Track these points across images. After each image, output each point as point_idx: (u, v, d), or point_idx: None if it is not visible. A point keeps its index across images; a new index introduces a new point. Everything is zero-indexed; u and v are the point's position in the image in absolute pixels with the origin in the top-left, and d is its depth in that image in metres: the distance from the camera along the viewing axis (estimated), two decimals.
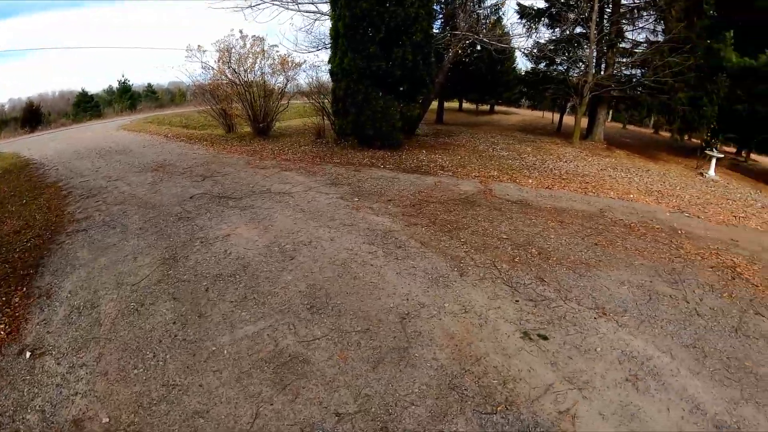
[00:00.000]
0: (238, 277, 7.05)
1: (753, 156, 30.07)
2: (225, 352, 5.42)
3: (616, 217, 10.65)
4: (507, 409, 4.68)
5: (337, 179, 12.39)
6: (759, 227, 12.50)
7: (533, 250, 8.25)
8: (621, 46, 20.95)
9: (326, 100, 18.29)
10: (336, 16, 15.57)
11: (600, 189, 12.86)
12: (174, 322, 5.98)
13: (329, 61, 16.66)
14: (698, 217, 11.92)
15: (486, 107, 44.26)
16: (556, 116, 30.79)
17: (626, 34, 20.99)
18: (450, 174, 13.36)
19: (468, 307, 6.33)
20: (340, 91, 15.75)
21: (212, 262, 7.55)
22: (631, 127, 38.72)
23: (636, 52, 20.32)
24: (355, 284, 6.86)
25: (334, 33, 15.86)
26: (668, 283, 7.66)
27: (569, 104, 24.80)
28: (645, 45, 20.47)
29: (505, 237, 8.73)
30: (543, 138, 22.55)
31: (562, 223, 9.71)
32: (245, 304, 6.32)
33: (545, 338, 5.80)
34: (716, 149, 18.34)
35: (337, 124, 17.25)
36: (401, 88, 16.49)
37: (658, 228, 10.29)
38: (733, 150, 28.30)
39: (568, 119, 28.25)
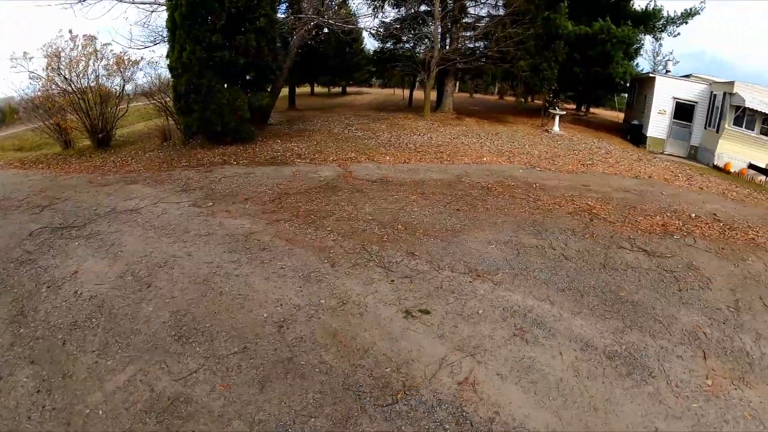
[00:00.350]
0: (94, 320, 6.12)
1: (592, 110, 34.95)
2: (100, 412, 4.63)
3: (474, 181, 11.39)
4: (407, 394, 4.64)
5: (188, 184, 11.46)
6: (605, 171, 14.45)
7: (399, 226, 8.46)
8: (465, 21, 22.69)
9: (168, 99, 16.87)
10: (172, 6, 14.34)
11: (455, 157, 13.71)
12: (38, 391, 4.98)
13: (167, 56, 15.32)
14: (549, 170, 13.37)
15: (338, 89, 44.88)
16: (407, 92, 32.42)
17: (469, 9, 22.85)
18: (308, 161, 13.11)
19: (345, 299, 6.20)
20: (182, 86, 14.60)
21: (64, 308, 6.47)
22: (477, 96, 42.41)
23: (479, 26, 22.21)
24: (222, 300, 6.31)
25: (171, 24, 14.54)
26: (533, 235, 8.44)
27: (418, 79, 26.22)
28: (487, 19, 22.40)
29: (370, 218, 8.81)
30: (396, 114, 23.44)
31: (423, 195, 10.11)
32: (109, 351, 5.49)
33: (427, 312, 5.91)
34: (558, 107, 20.90)
35: (183, 124, 16.02)
36: (247, 78, 15.80)
37: (514, 185, 11.26)
38: (574, 106, 32.57)
39: (419, 94, 29.83)
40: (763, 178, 17.26)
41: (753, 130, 17.84)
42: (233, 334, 5.65)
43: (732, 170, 17.69)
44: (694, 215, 10.93)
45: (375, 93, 45.71)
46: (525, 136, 18.74)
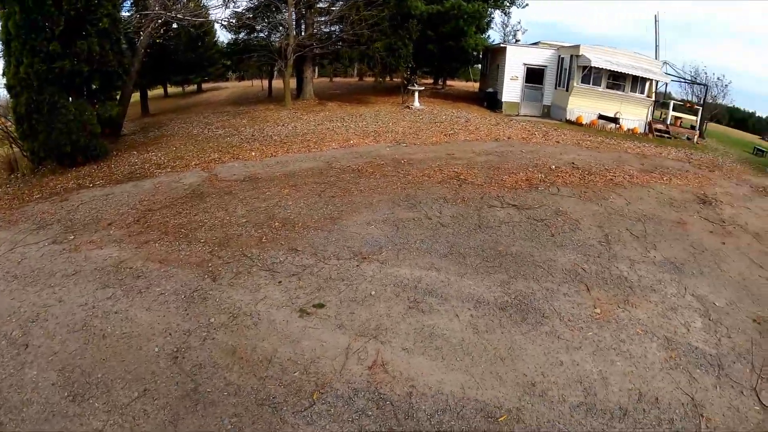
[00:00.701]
0: None
1: (448, 82, 37.03)
2: None
3: (344, 165, 11.40)
4: (322, 393, 4.59)
5: (44, 219, 9.92)
6: (467, 138, 15.36)
7: (276, 223, 8.18)
8: (318, 6, 22.60)
9: (10, 123, 14.59)
10: (5, 15, 12.35)
11: (322, 143, 13.57)
12: None
13: (3, 74, 13.25)
14: (415, 144, 13.84)
15: (193, 88, 42.44)
16: (266, 83, 31.69)
17: None
18: (169, 170, 11.99)
19: (235, 312, 5.86)
20: (22, 107, 12.78)
21: None
22: (337, 79, 42.64)
23: (333, 10, 22.26)
24: (107, 344, 5.56)
25: (5, 35, 12.55)
26: (408, 209, 8.75)
27: (276, 68, 25.70)
28: (342, 2, 22.54)
29: (245, 220, 8.37)
30: (257, 107, 22.63)
31: (295, 187, 9.87)
32: None
33: (322, 306, 5.85)
34: (417, 84, 21.74)
35: (28, 149, 13.88)
36: (93, 87, 14.19)
37: (383, 164, 11.45)
38: (431, 81, 34.27)
39: (278, 83, 29.22)
40: (612, 125, 19.89)
41: (600, 85, 20.36)
42: (129, 378, 5.01)
43: (584, 122, 20.10)
44: (554, 166, 12.12)
45: (232, 87, 43.79)
46: (388, 114, 19.23)
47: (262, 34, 23.12)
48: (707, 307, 6.78)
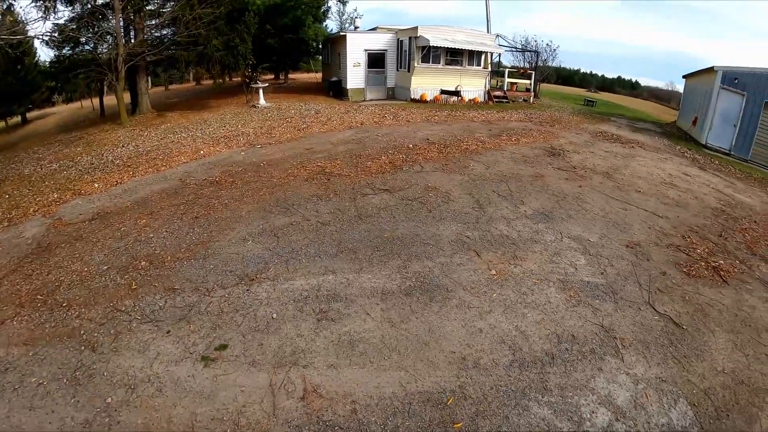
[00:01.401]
0: None
1: (290, 76, 36.10)
2: None
3: (199, 179, 10.30)
4: None
5: None
6: (321, 130, 14.97)
7: (142, 263, 6.89)
8: (148, 8, 20.09)
9: None
10: None
11: (170, 159, 12.16)
12: None
13: None
14: (270, 144, 13.11)
15: (17, 120, 36.49)
16: (97, 101, 28.18)
17: None
18: (6, 224, 8.89)
19: (133, 382, 4.63)
20: None
21: None
22: (174, 87, 39.24)
23: (164, 12, 20.01)
24: None
25: None
26: (283, 214, 8.08)
27: (107, 84, 22.83)
28: (173, 2, 20.32)
29: (106, 267, 6.85)
30: (91, 130, 19.57)
31: (152, 215, 8.61)
32: None
33: (225, 346, 5.01)
34: (260, 81, 20.81)
35: None
36: None
37: (242, 170, 10.59)
38: (272, 76, 33.23)
39: (110, 100, 26.07)
40: (454, 98, 21.18)
41: (439, 63, 21.63)
42: None
43: (428, 99, 21.12)
44: (412, 145, 12.44)
45: (60, 111, 37.74)
46: (234, 116, 18.09)
47: (88, 47, 20.10)
48: (584, 244, 7.47)
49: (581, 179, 10.50)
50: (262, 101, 19.84)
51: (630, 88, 58.42)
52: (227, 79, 27.28)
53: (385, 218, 7.90)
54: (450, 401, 4.31)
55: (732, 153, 15.98)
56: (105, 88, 25.75)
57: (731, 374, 5.03)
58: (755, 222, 9.75)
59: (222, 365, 4.77)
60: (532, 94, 23.67)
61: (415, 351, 4.87)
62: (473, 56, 21.99)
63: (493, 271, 6.43)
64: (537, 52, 27.68)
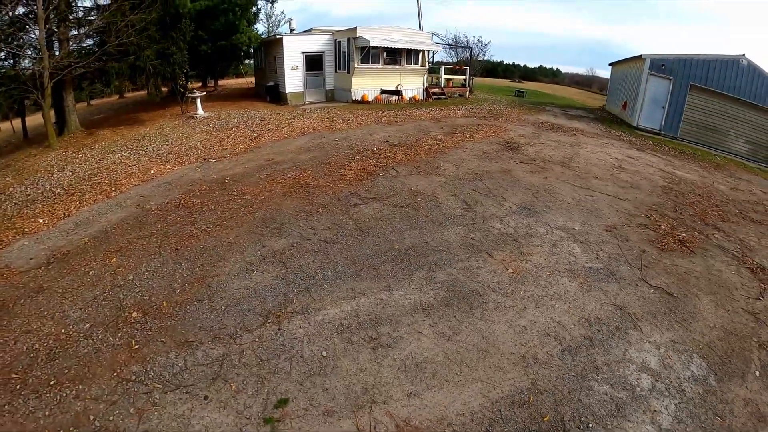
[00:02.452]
0: None
1: (220, 82, 34.15)
2: None
3: (161, 203, 9.23)
4: None
5: None
6: (274, 138, 14.09)
7: (134, 314, 5.74)
8: (74, 17, 17.98)
9: None
10: None
11: (119, 183, 10.85)
12: None
13: None
14: (225, 157, 12.08)
15: None
16: (18, 123, 25.00)
17: (78, 1, 18.01)
18: None
19: None
20: None
21: None
22: (96, 102, 35.48)
23: (92, 20, 17.99)
24: None
25: None
26: (277, 236, 7.51)
27: (29, 102, 20.22)
28: (102, 9, 18.28)
29: (88, 325, 5.63)
30: (16, 155, 16.79)
31: (122, 251, 7.36)
32: None
33: (286, 401, 4.48)
34: (196, 90, 19.59)
35: None
36: None
37: (206, 189, 9.77)
38: (200, 84, 31.41)
39: (33, 119, 23.29)
40: (395, 98, 21.20)
41: (379, 63, 21.49)
42: None
43: (369, 100, 20.97)
44: (376, 149, 12.25)
45: None
46: (174, 129, 16.61)
47: (7, 63, 17.64)
48: (572, 233, 7.87)
49: (543, 171, 10.99)
50: (200, 111, 18.57)
51: (552, 76, 61.53)
52: (162, 90, 25.09)
53: (387, 229, 7.71)
54: (530, 399, 4.46)
55: (662, 133, 17.50)
56: (24, 108, 23.07)
57: (722, 328, 5.93)
58: (699, 195, 10.74)
59: (292, 423, 4.19)
60: (468, 89, 24.35)
61: (480, 359, 4.89)
62: (411, 55, 22.21)
63: (510, 270, 6.59)
64: (470, 48, 28.46)
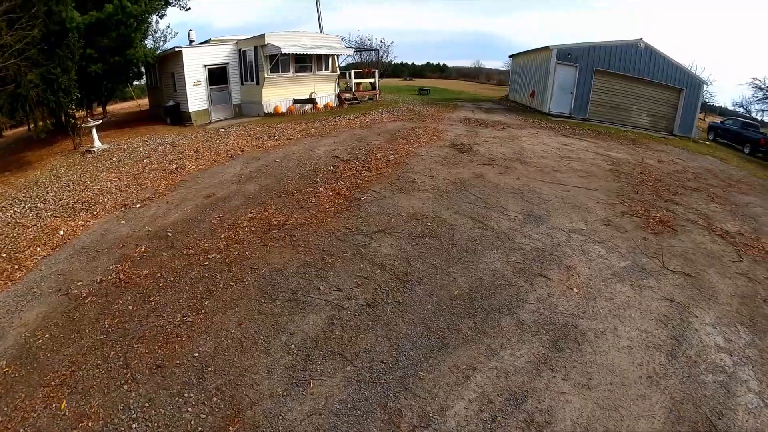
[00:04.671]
0: None
1: (109, 108, 28.43)
2: None
3: (87, 281, 6.64)
4: None
5: None
6: (199, 168, 11.65)
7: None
8: None
9: None
10: None
11: (19, 255, 7.68)
12: None
13: None
14: (150, 199, 9.68)
15: None
16: None
17: None
18: None
19: None
20: None
21: None
22: None
23: None
24: None
25: None
26: (297, 311, 5.98)
27: None
28: None
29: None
30: None
31: (65, 383, 4.74)
32: None
33: None
34: (91, 118, 16.00)
35: None
36: None
37: (146, 250, 7.37)
38: (83, 112, 25.56)
39: None
40: (308, 107, 19.60)
41: (290, 71, 19.34)
42: None
43: (282, 111, 19.09)
44: (331, 167, 10.71)
45: None
46: (72, 170, 12.90)
47: None
48: (585, 234, 7.79)
49: (510, 171, 10.81)
50: (97, 143, 14.86)
51: (440, 71, 62.20)
52: (48, 122, 18.92)
53: (427, 271, 6.39)
54: (679, 413, 4.42)
55: (572, 116, 18.52)
56: None
57: (738, 295, 6.40)
58: (641, 173, 11.38)
59: None
60: (378, 92, 23.67)
61: (625, 395, 4.57)
62: (321, 60, 20.71)
63: (575, 289, 6.14)
64: (377, 50, 27.80)
